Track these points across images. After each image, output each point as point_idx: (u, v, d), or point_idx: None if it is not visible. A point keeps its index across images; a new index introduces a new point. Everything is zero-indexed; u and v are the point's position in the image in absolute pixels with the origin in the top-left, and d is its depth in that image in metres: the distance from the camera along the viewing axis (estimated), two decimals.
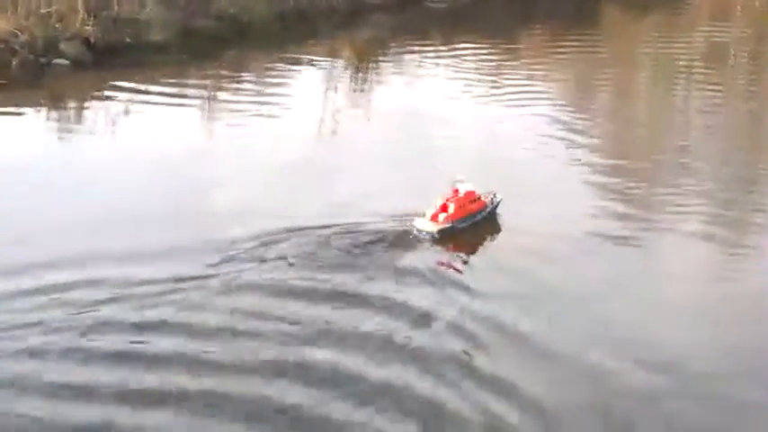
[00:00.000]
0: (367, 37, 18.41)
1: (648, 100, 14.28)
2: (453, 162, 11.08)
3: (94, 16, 15.49)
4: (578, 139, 11.98)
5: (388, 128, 12.57)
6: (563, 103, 13.75)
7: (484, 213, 9.93)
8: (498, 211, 9.91)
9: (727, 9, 20.93)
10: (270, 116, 13.13)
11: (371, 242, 8.98)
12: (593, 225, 9.64)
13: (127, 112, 13.33)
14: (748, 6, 21.15)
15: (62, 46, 15.14)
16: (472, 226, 9.74)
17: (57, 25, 15.28)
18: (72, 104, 13.77)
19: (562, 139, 12.04)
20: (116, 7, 15.93)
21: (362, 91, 14.87)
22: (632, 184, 10.67)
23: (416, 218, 9.65)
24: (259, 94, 14.17)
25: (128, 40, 15.72)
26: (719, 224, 9.45)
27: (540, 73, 15.26)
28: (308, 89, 14.42)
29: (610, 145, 11.77)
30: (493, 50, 16.82)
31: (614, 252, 9.09)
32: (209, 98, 14.23)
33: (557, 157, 11.39)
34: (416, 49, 16.86)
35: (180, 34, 16.27)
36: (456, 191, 9.97)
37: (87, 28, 15.29)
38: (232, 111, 13.43)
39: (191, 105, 13.82)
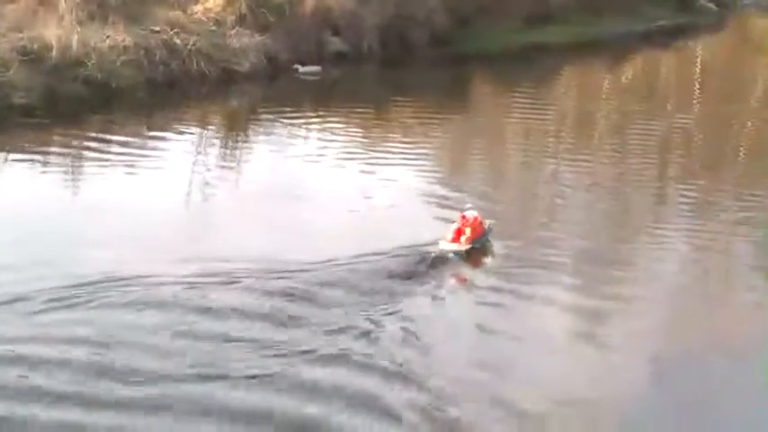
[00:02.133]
0: (237, 105, 18.39)
1: (518, 167, 14.52)
2: (324, 222, 11.04)
3: None
4: (447, 206, 11.94)
5: (258, 193, 12.42)
6: (432, 170, 13.85)
7: (487, 236, 10.61)
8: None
9: (596, 85, 21.77)
10: (136, 180, 12.84)
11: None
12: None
13: None
14: (615, 82, 22.05)
15: None
16: None
17: None
18: None
19: (432, 201, 12.09)
20: None
21: (232, 158, 14.74)
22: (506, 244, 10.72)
23: (440, 241, 10.15)
24: (126, 158, 13.78)
25: None
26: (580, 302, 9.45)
27: (412, 142, 15.38)
28: (177, 155, 14.14)
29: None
30: (365, 121, 16.92)
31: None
32: (72, 162, 13.86)
33: (421, 224, 11.30)
34: (287, 118, 16.79)
35: (45, 98, 15.87)
36: (464, 217, 10.47)
37: None
38: (96, 174, 13.07)
39: (54, 169, 13.39)
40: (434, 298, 9.21)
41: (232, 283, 9.06)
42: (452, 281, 9.79)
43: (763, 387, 7.86)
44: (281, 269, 9.36)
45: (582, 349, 8.27)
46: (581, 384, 7.60)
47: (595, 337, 8.46)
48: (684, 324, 8.98)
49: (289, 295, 8.85)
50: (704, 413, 7.45)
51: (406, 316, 8.63)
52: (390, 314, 8.64)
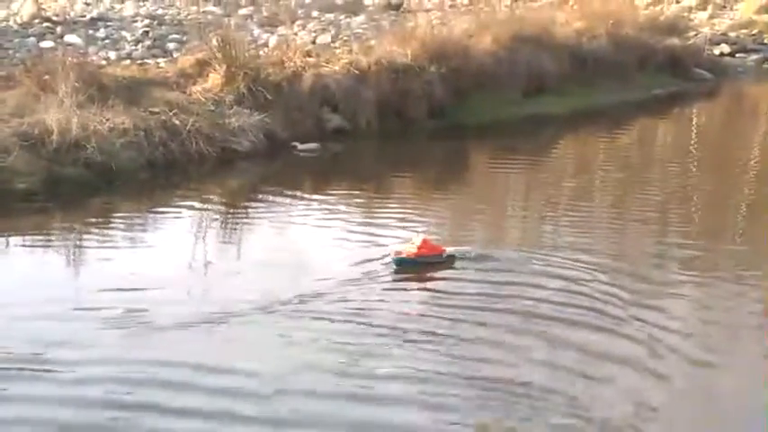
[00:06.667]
0: (238, 184, 18.42)
1: (518, 237, 14.43)
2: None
3: None
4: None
5: (259, 272, 12.37)
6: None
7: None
8: None
9: (593, 153, 21.81)
10: (141, 256, 12.91)
11: None
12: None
13: None
14: (613, 150, 22.06)
15: None
16: None
17: None
18: None
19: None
20: None
21: (233, 236, 14.76)
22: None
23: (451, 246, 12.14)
24: (126, 240, 13.87)
25: None
26: None
27: (410, 215, 15.38)
28: (178, 235, 14.18)
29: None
30: (364, 195, 16.93)
31: None
32: (76, 243, 13.89)
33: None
34: (287, 195, 16.81)
35: (46, 182, 15.93)
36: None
37: None
38: (97, 257, 13.07)
39: (55, 254, 13.45)
40: None
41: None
42: None
43: None
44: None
45: None
46: None
47: None
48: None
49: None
50: None
51: None
52: None
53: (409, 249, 11.82)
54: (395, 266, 11.66)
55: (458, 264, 12.10)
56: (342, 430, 8.03)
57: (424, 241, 11.91)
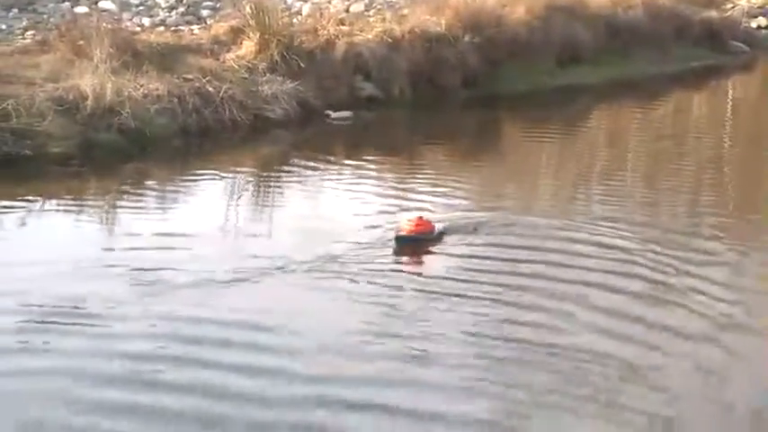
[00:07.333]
0: (270, 151, 18.44)
1: (551, 210, 14.28)
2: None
3: None
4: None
5: (290, 238, 12.37)
6: (463, 212, 13.76)
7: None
8: None
9: (628, 125, 21.72)
10: (175, 220, 13.02)
11: None
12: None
13: (23, 223, 12.91)
14: (648, 123, 21.84)
15: None
16: None
17: None
18: None
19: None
20: (15, 119, 15.64)
21: (266, 201, 14.83)
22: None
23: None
24: (159, 203, 13.97)
25: (27, 151, 15.42)
26: None
27: (442, 183, 15.35)
28: (210, 200, 14.27)
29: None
30: (396, 163, 16.95)
31: None
32: (108, 209, 13.98)
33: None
34: (320, 162, 16.83)
35: (81, 147, 16.03)
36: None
37: None
38: (130, 220, 13.14)
39: (89, 216, 13.56)
40: None
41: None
42: None
43: None
44: None
45: None
46: None
47: None
48: None
49: None
50: None
51: None
52: None
53: (406, 226, 11.64)
54: (396, 245, 11.42)
55: (491, 230, 12.04)
56: (377, 385, 7.94)
57: (419, 218, 11.73)
